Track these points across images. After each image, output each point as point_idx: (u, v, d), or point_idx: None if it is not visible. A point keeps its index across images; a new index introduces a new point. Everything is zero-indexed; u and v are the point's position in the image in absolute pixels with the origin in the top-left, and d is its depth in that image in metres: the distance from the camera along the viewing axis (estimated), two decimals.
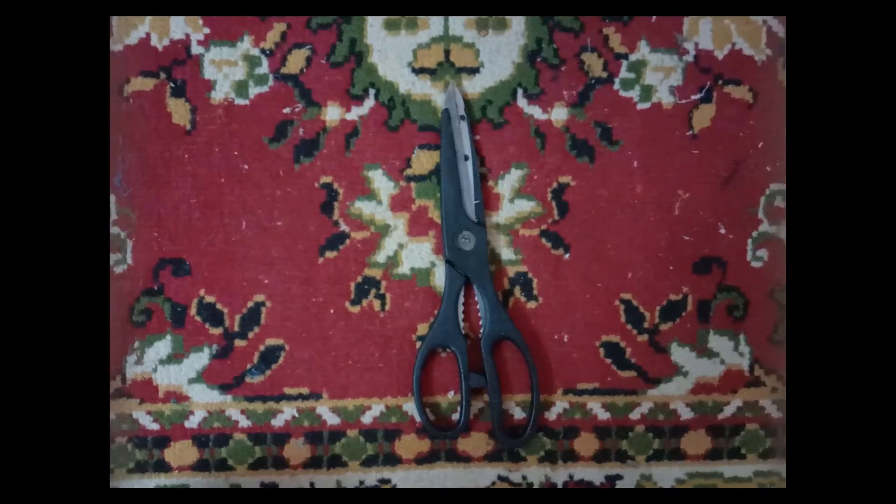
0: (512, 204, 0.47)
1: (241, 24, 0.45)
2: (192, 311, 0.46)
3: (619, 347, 0.47)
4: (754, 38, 0.47)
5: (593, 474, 0.48)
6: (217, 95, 0.45)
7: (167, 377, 0.46)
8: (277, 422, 0.46)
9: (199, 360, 0.46)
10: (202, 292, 0.46)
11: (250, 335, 0.46)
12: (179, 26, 0.45)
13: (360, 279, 0.46)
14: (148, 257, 0.46)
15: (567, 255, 0.47)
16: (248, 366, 0.46)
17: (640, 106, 0.47)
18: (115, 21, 0.45)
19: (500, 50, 0.46)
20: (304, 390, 0.46)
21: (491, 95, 0.46)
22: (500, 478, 0.47)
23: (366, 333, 0.46)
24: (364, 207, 0.46)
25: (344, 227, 0.46)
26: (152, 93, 0.45)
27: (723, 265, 0.47)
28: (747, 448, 0.48)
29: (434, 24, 0.46)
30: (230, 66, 0.45)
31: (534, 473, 0.47)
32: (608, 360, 0.47)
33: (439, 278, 0.46)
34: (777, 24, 0.47)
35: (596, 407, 0.47)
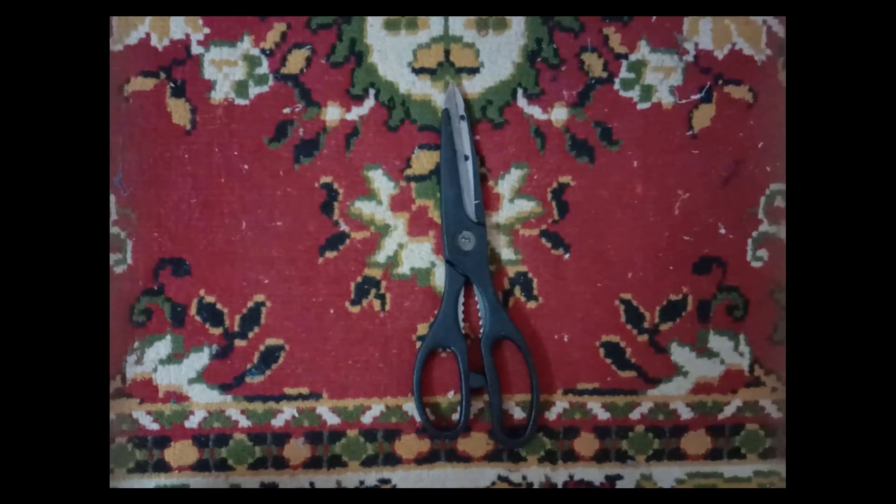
0: (512, 204, 0.47)
1: (241, 24, 0.45)
2: (192, 311, 0.46)
3: (619, 347, 0.47)
4: (754, 38, 0.47)
5: (593, 474, 0.48)
6: (217, 95, 0.45)
7: (167, 377, 0.46)
8: (277, 422, 0.46)
9: (199, 360, 0.46)
10: (202, 292, 0.46)
11: (250, 335, 0.46)
12: (179, 26, 0.45)
13: (360, 279, 0.46)
14: (148, 257, 0.46)
15: (567, 255, 0.47)
16: (248, 366, 0.46)
17: (640, 106, 0.47)
18: (115, 21, 0.45)
19: (500, 50, 0.46)
20: (304, 390, 0.46)
21: (491, 95, 0.46)
22: (500, 478, 0.47)
23: (366, 333, 0.46)
24: (364, 207, 0.46)
25: (344, 227, 0.46)
26: (152, 93, 0.45)
27: (723, 265, 0.47)
28: (747, 448, 0.48)
29: (434, 24, 0.46)
30: (230, 66, 0.45)
31: (534, 473, 0.47)
32: (608, 360, 0.47)
33: (439, 278, 0.46)
34: (777, 24, 0.47)
35: (596, 407, 0.47)
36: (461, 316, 0.46)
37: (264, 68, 0.46)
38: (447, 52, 0.46)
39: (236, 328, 0.46)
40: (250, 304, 0.46)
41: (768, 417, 0.48)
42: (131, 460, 0.46)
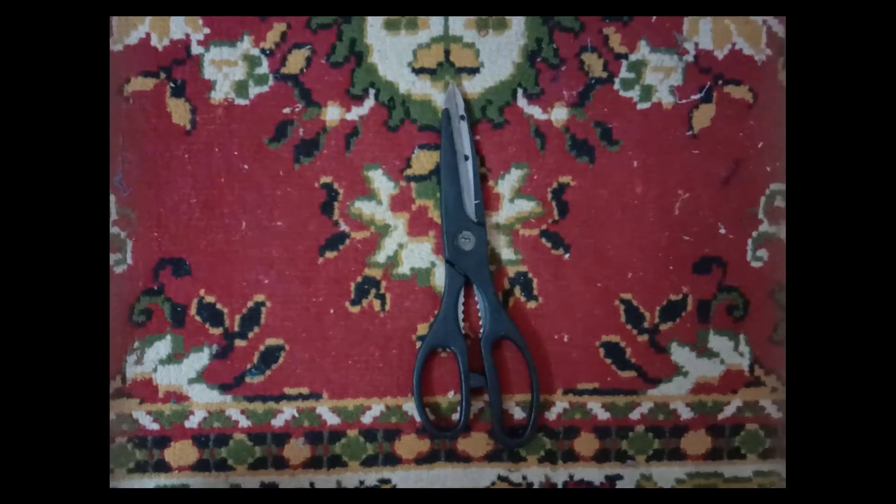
0: (512, 204, 0.47)
1: (241, 24, 0.45)
2: (192, 311, 0.46)
3: (619, 347, 0.47)
4: (754, 38, 0.47)
5: (593, 474, 0.48)
6: (217, 95, 0.45)
7: (167, 377, 0.46)
8: (277, 422, 0.46)
9: (199, 360, 0.46)
10: (202, 292, 0.46)
11: (250, 335, 0.46)
12: (179, 26, 0.45)
13: (360, 279, 0.46)
14: (148, 257, 0.46)
15: (567, 255, 0.47)
16: (248, 366, 0.46)
17: (640, 106, 0.47)
18: (115, 21, 0.45)
19: (500, 50, 0.46)
20: (304, 390, 0.46)
21: (491, 95, 0.46)
22: (500, 478, 0.47)
23: (366, 333, 0.46)
24: (364, 207, 0.46)
25: (344, 227, 0.46)
26: (152, 93, 0.45)
27: (723, 265, 0.47)
28: (747, 448, 0.48)
29: (434, 24, 0.46)
30: (230, 66, 0.45)
31: (534, 473, 0.47)
32: (608, 360, 0.47)
33: (439, 278, 0.46)
34: (777, 24, 0.47)
35: (596, 407, 0.47)
36: (461, 316, 0.46)
37: (264, 68, 0.46)
38: (447, 52, 0.46)
39: (236, 328, 0.46)
40: (250, 304, 0.46)
41: (768, 417, 0.48)
42: (131, 460, 0.46)
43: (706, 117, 0.47)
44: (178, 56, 0.45)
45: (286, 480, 0.47)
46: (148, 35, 0.45)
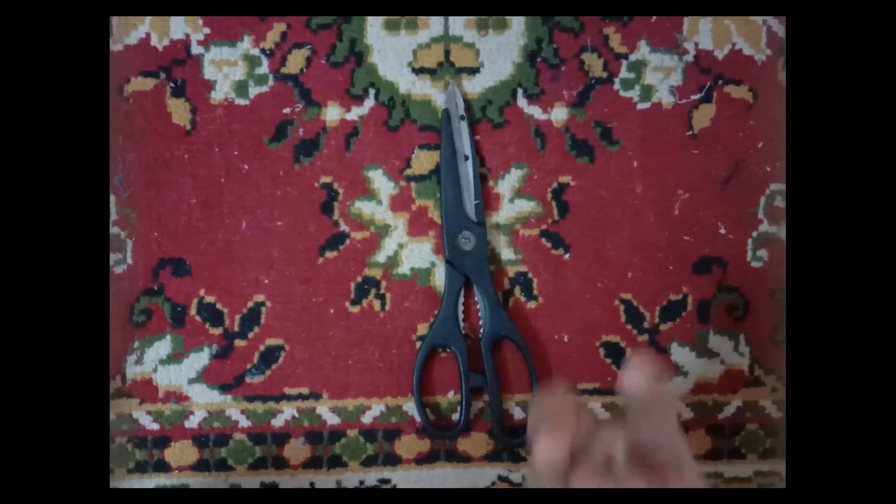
0: (512, 204, 0.47)
1: (241, 24, 0.45)
2: (192, 311, 0.46)
3: (619, 347, 0.47)
4: (754, 38, 0.47)
5: None
6: (217, 95, 0.45)
7: (167, 377, 0.46)
8: (277, 422, 0.46)
9: (199, 360, 0.46)
10: (202, 292, 0.46)
11: (250, 335, 0.46)
12: (179, 26, 0.45)
13: (360, 279, 0.46)
14: (148, 257, 0.46)
15: (567, 255, 0.47)
16: (248, 366, 0.46)
17: (640, 106, 0.47)
18: (115, 21, 0.45)
19: (500, 50, 0.46)
20: (304, 390, 0.46)
21: (491, 95, 0.46)
22: (500, 478, 0.47)
23: (366, 333, 0.46)
24: (364, 207, 0.46)
25: (344, 227, 0.46)
26: (152, 93, 0.45)
27: (723, 265, 0.47)
28: (747, 448, 0.48)
29: (434, 24, 0.46)
30: (230, 66, 0.45)
31: None
32: (608, 360, 0.47)
33: (439, 278, 0.46)
34: (777, 24, 0.47)
35: (596, 407, 0.47)
36: (461, 316, 0.46)
37: (264, 68, 0.46)
38: (447, 52, 0.46)
39: (236, 328, 0.46)
40: (250, 304, 0.46)
41: (768, 417, 0.48)
42: (131, 460, 0.46)
43: (706, 117, 0.47)
44: (178, 56, 0.45)
45: (286, 480, 0.47)
46: (148, 35, 0.45)
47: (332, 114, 0.46)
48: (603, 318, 0.47)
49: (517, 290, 0.47)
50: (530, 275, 0.47)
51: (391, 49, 0.46)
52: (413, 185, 0.46)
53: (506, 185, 0.47)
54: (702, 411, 0.48)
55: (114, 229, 0.45)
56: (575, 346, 0.47)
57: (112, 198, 0.45)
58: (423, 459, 0.47)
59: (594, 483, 0.29)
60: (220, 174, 0.46)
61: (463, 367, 0.45)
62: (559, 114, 0.46)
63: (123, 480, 0.46)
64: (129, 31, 0.45)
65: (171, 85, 0.45)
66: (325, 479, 0.47)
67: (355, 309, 0.46)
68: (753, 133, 0.47)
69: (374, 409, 0.47)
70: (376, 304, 0.46)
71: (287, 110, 0.46)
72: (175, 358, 0.46)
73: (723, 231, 0.47)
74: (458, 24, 0.46)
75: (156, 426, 0.46)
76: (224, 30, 0.45)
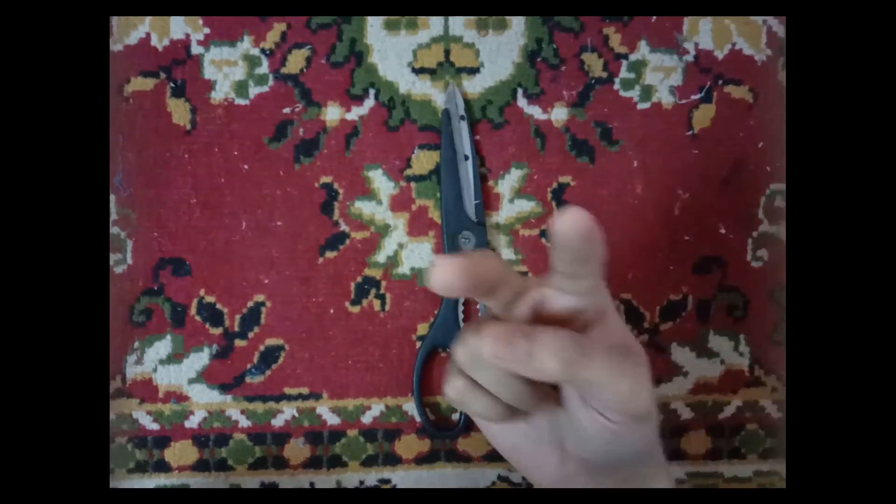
0: (512, 204, 0.47)
1: (241, 24, 0.45)
2: (192, 311, 0.46)
3: None
4: (754, 38, 0.47)
5: None
6: (217, 95, 0.45)
7: (167, 377, 0.46)
8: (277, 422, 0.46)
9: (199, 360, 0.46)
10: (202, 292, 0.46)
11: (250, 335, 0.46)
12: (179, 26, 0.45)
13: (360, 279, 0.46)
14: (148, 257, 0.46)
15: None
16: (248, 366, 0.46)
17: (640, 106, 0.47)
18: (115, 21, 0.45)
19: (500, 50, 0.46)
20: (304, 390, 0.46)
21: (491, 95, 0.46)
22: (500, 478, 0.47)
23: (366, 333, 0.46)
24: (364, 207, 0.46)
25: (344, 227, 0.46)
26: (152, 93, 0.45)
27: (723, 265, 0.47)
28: (747, 448, 0.48)
29: (434, 24, 0.46)
30: (230, 66, 0.45)
31: None
32: None
33: None
34: (777, 24, 0.47)
35: None
36: (461, 316, 0.46)
37: (264, 68, 0.46)
38: (447, 52, 0.46)
39: (236, 328, 0.46)
40: (250, 304, 0.46)
41: (768, 417, 0.48)
42: (131, 460, 0.46)
43: (706, 117, 0.47)
44: (178, 56, 0.45)
45: (286, 480, 0.47)
46: (148, 35, 0.45)
47: (332, 114, 0.46)
48: None
49: None
50: (530, 275, 0.47)
51: (391, 49, 0.46)
52: (413, 185, 0.46)
53: (506, 185, 0.47)
54: (702, 411, 0.48)
55: (114, 229, 0.45)
56: None
57: (112, 198, 0.45)
58: (423, 459, 0.47)
59: (506, 336, 0.27)
60: (220, 174, 0.46)
61: None
62: (559, 114, 0.46)
63: (123, 480, 0.46)
64: (129, 31, 0.45)
65: (171, 85, 0.45)
66: (325, 479, 0.47)
67: (355, 309, 0.46)
68: (753, 133, 0.47)
69: (374, 409, 0.47)
70: (376, 304, 0.46)
71: (287, 110, 0.46)
72: (175, 358, 0.46)
73: (723, 231, 0.47)
74: (458, 24, 0.46)
75: (156, 426, 0.46)
76: (224, 30, 0.45)
